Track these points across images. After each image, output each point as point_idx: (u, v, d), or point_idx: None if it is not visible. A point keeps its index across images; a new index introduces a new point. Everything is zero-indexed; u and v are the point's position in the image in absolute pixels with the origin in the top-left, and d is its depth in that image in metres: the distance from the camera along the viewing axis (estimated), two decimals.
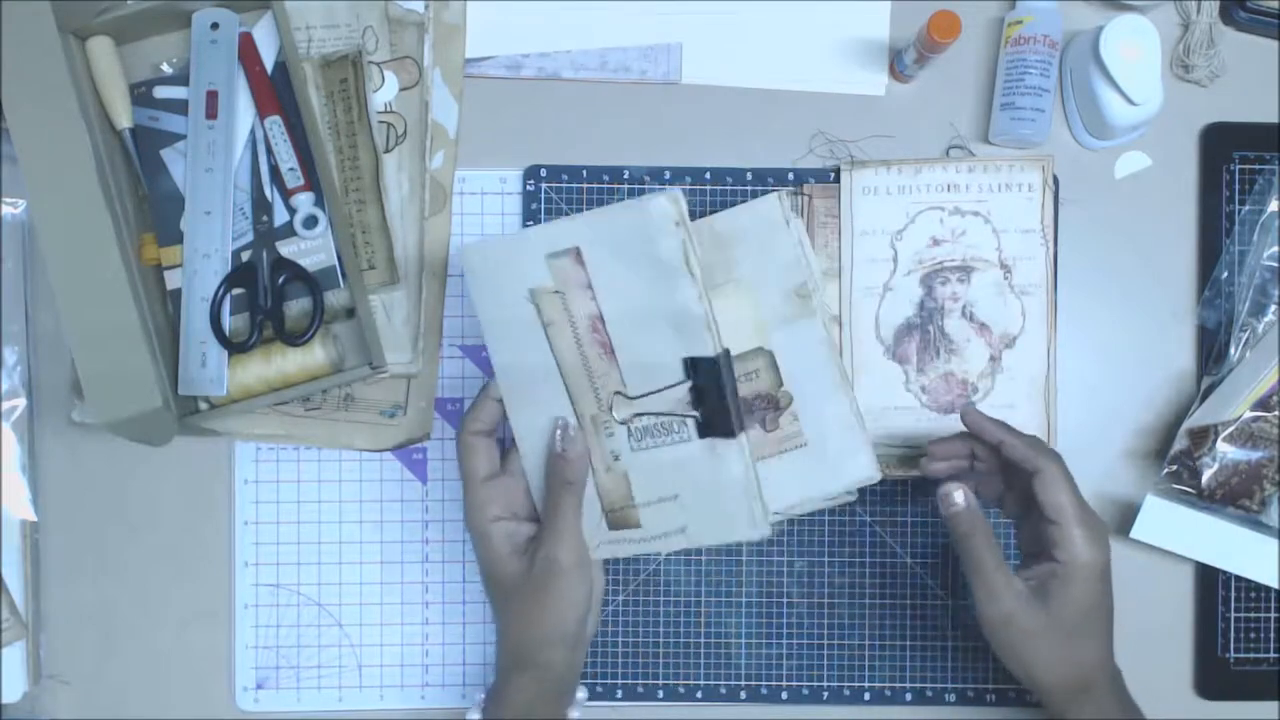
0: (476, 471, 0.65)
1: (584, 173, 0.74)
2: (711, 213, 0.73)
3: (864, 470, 0.66)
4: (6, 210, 0.74)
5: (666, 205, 0.60)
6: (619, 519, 0.65)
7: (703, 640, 0.74)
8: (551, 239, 0.63)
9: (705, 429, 0.62)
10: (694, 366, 0.62)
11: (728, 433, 0.62)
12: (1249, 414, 0.70)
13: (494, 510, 0.64)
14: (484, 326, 0.66)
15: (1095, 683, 0.62)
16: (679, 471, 0.63)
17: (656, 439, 0.63)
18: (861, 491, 0.73)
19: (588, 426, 0.64)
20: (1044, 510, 0.61)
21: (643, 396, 0.63)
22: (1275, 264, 0.72)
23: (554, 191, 0.74)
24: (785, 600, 0.74)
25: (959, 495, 0.62)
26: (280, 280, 0.70)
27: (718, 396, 0.61)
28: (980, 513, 0.62)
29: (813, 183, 0.74)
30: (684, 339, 0.62)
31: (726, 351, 0.62)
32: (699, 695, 0.74)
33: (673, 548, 0.65)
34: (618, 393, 0.63)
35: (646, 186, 0.74)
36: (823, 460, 0.66)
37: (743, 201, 0.74)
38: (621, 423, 0.64)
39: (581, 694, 0.67)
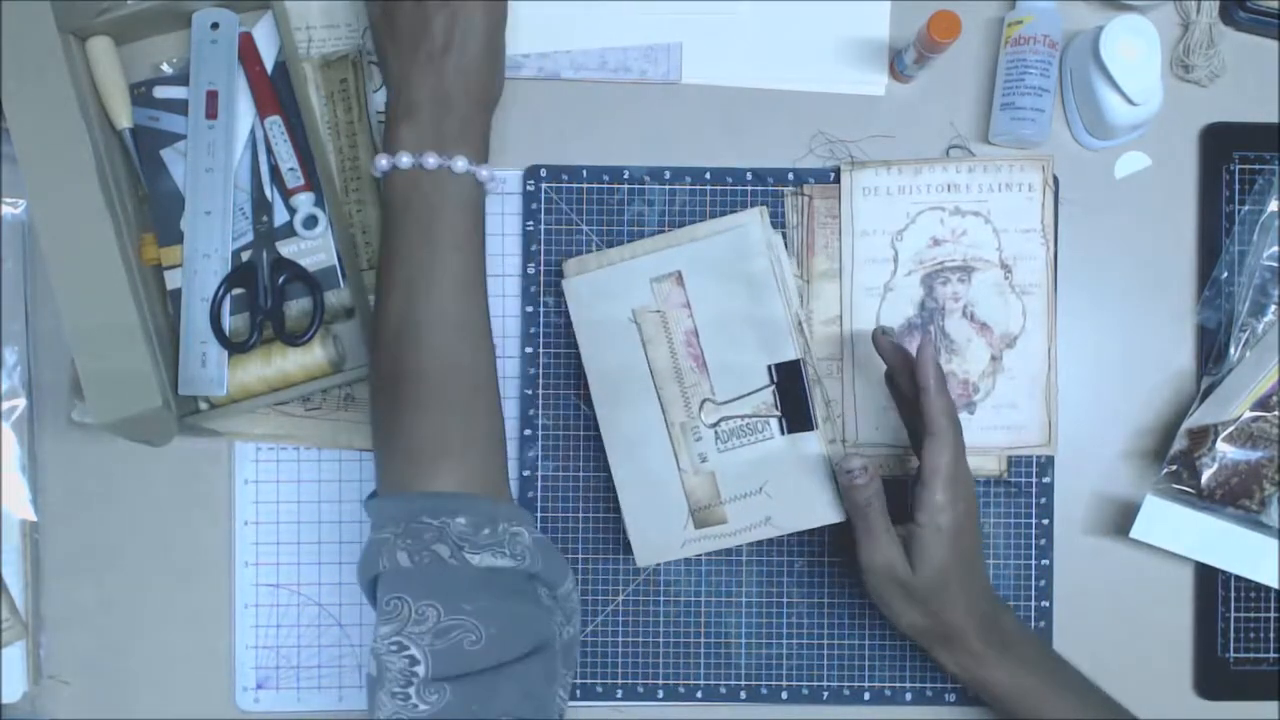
0: None
1: (584, 173, 0.74)
2: (711, 214, 0.74)
3: (830, 516, 0.69)
4: (6, 210, 0.74)
5: (759, 229, 0.69)
6: (706, 517, 0.69)
7: (703, 640, 0.74)
8: (656, 264, 0.70)
9: (788, 426, 0.68)
10: (777, 370, 0.68)
11: (808, 427, 0.68)
12: (1249, 414, 0.70)
13: None
14: (581, 341, 0.71)
15: (957, 633, 0.65)
16: (763, 466, 0.69)
17: (742, 439, 0.69)
18: None
19: (676, 434, 0.70)
20: (921, 471, 0.64)
21: (730, 401, 0.69)
22: (1275, 264, 0.72)
23: (554, 191, 0.74)
24: (785, 600, 0.74)
25: (861, 472, 0.64)
26: (280, 280, 0.70)
27: (799, 395, 0.68)
28: (879, 484, 0.64)
29: (813, 183, 0.74)
30: (769, 345, 0.69)
31: (807, 352, 0.69)
32: (699, 695, 0.74)
33: (758, 538, 0.69)
34: (706, 399, 0.69)
35: (646, 186, 0.74)
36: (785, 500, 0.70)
37: (743, 202, 0.74)
38: (710, 426, 0.69)
39: (488, 170, 0.66)
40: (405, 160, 0.63)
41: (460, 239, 0.64)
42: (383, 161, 0.63)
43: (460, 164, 0.63)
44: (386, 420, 0.62)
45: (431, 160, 0.63)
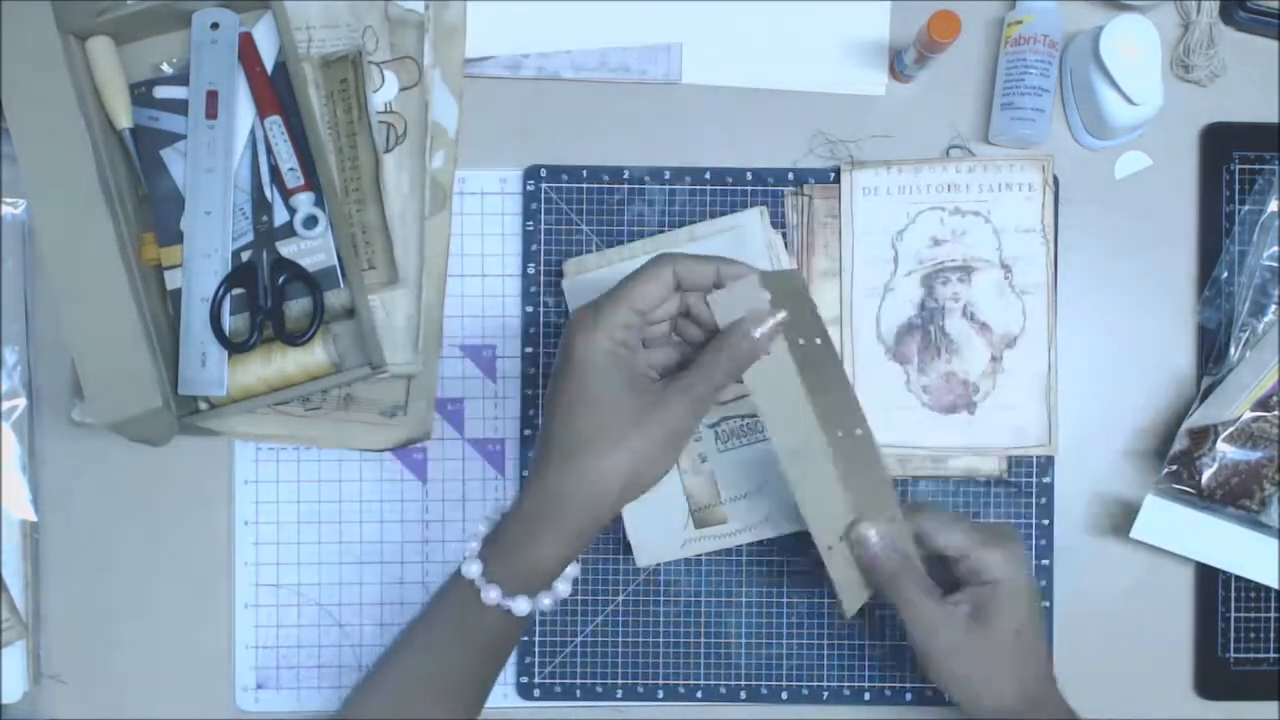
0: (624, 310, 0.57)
1: (584, 173, 0.74)
2: (711, 214, 0.74)
3: None
4: (6, 210, 0.74)
5: (759, 229, 0.69)
6: (706, 517, 0.70)
7: (703, 640, 0.74)
8: None
9: None
10: None
11: None
12: (1249, 414, 0.70)
13: (625, 336, 0.57)
14: None
15: (1048, 697, 0.61)
16: (763, 466, 0.69)
17: (742, 439, 0.70)
18: None
19: None
20: (945, 553, 0.60)
21: (730, 401, 0.69)
22: (1275, 264, 0.72)
23: (554, 191, 0.74)
24: (785, 600, 0.74)
25: (872, 534, 0.58)
26: (280, 280, 0.70)
27: None
28: (899, 547, 0.59)
29: (813, 183, 0.74)
30: None
31: None
32: (699, 695, 0.74)
33: (757, 537, 0.69)
34: None
35: (646, 186, 0.74)
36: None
37: (743, 202, 0.74)
38: (710, 426, 0.69)
39: (569, 582, 0.60)
40: (494, 596, 0.57)
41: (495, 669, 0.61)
42: (493, 595, 0.57)
43: (522, 605, 0.58)
44: None
45: (543, 601, 0.58)
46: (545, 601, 0.58)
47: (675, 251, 0.59)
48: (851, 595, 0.60)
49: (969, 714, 0.60)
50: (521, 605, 0.57)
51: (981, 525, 0.62)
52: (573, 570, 0.60)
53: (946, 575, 0.62)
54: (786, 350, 0.57)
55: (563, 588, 0.59)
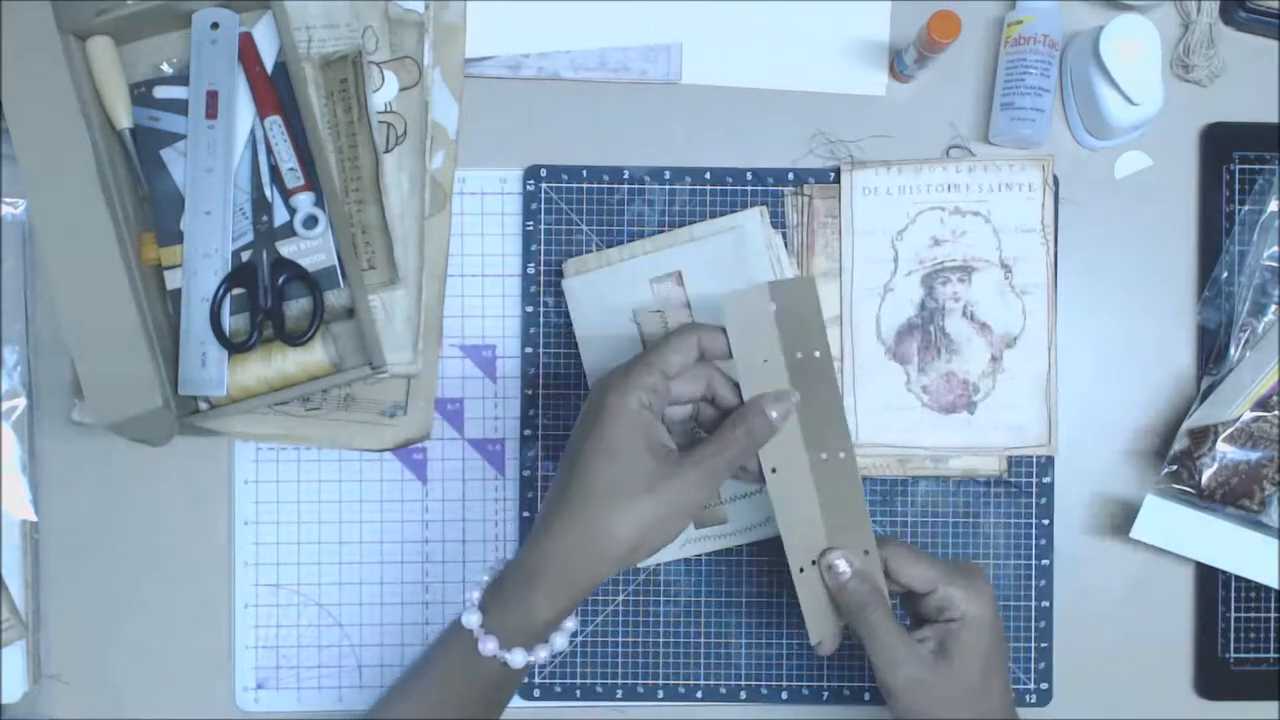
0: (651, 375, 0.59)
1: (584, 173, 0.74)
2: (711, 214, 0.74)
3: None
4: (6, 210, 0.74)
5: (759, 229, 0.70)
6: (706, 517, 0.70)
7: (703, 640, 0.74)
8: (656, 264, 0.70)
9: None
10: None
11: None
12: (1249, 414, 0.70)
13: (651, 400, 0.58)
14: (581, 341, 0.71)
15: None
16: None
17: None
18: None
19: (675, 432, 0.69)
20: (911, 587, 0.61)
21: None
22: (1275, 264, 0.72)
23: (554, 191, 0.74)
24: (785, 600, 0.74)
25: (842, 564, 0.60)
26: (280, 280, 0.70)
27: None
28: (870, 578, 0.60)
29: (813, 183, 0.74)
30: None
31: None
32: (699, 695, 0.74)
33: (757, 537, 0.70)
34: None
35: (646, 186, 0.74)
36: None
37: (743, 202, 0.74)
38: None
39: (566, 636, 0.61)
40: (489, 646, 0.58)
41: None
42: (490, 646, 0.58)
43: (519, 658, 0.58)
44: None
45: (539, 654, 0.59)
46: (541, 654, 0.59)
47: (699, 322, 0.62)
48: (819, 622, 0.61)
49: None
50: (518, 658, 0.58)
51: (948, 562, 0.62)
52: (571, 624, 0.60)
53: (913, 610, 0.63)
54: (783, 365, 0.57)
55: (560, 641, 0.60)
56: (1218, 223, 0.74)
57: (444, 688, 0.60)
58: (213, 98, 0.70)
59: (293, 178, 0.70)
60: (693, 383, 0.60)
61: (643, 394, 0.58)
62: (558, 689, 0.74)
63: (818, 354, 0.60)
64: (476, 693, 0.60)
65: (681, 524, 0.58)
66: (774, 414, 0.59)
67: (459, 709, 0.59)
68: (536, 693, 0.74)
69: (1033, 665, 0.74)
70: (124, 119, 0.70)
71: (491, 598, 0.59)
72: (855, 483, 0.61)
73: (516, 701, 0.74)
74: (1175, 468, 0.71)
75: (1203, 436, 0.70)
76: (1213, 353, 0.73)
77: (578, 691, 0.74)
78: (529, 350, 0.74)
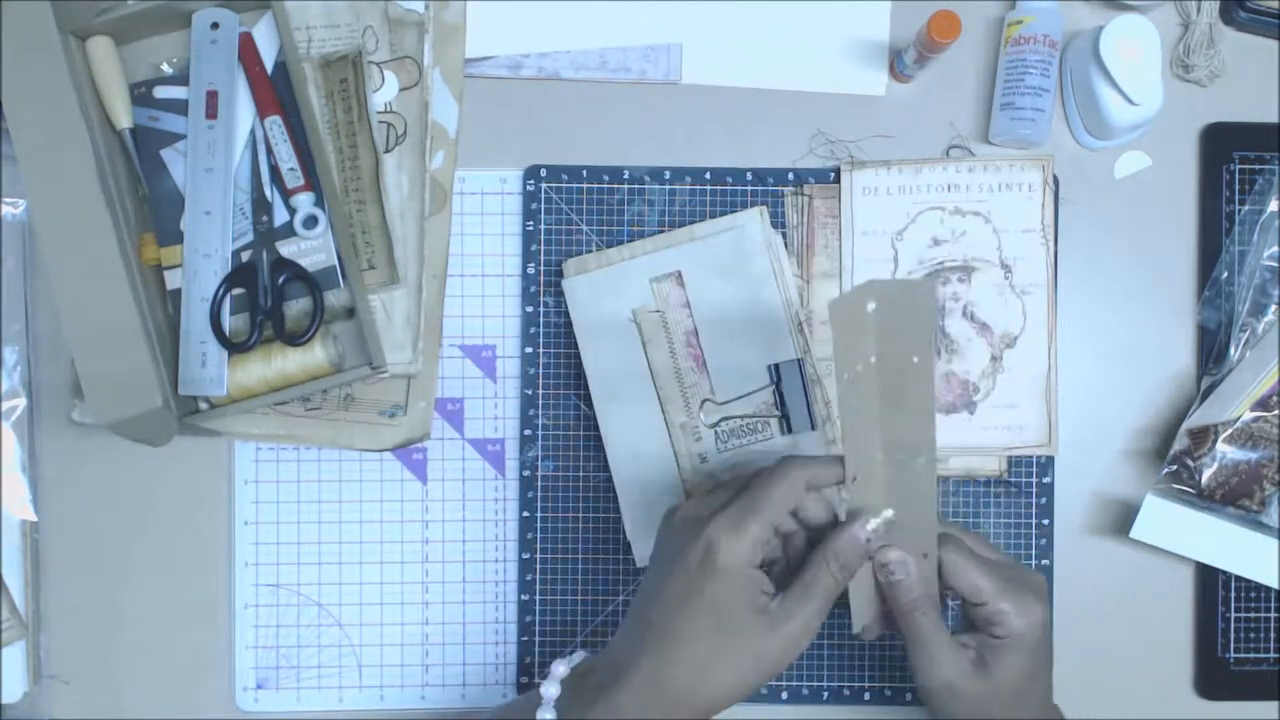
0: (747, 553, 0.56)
1: (584, 173, 0.74)
2: (711, 214, 0.74)
3: None
4: (6, 210, 0.74)
5: (759, 228, 0.70)
6: None
7: None
8: (656, 264, 0.71)
9: (788, 426, 0.69)
10: (777, 370, 0.69)
11: (809, 427, 0.69)
12: (1249, 414, 0.70)
13: (763, 554, 0.57)
14: (581, 341, 0.71)
15: None
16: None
17: (742, 439, 0.70)
18: None
19: (676, 434, 0.70)
20: (962, 595, 0.59)
21: (730, 401, 0.70)
22: (1275, 264, 0.72)
23: (554, 191, 0.74)
24: None
25: (897, 562, 0.58)
26: (280, 280, 0.70)
27: (800, 395, 0.69)
28: (924, 579, 0.58)
29: (813, 183, 0.74)
30: (768, 345, 0.69)
31: (807, 352, 0.69)
32: None
33: None
34: (706, 399, 0.69)
35: (646, 186, 0.74)
36: None
37: (743, 202, 0.74)
38: (710, 426, 0.70)
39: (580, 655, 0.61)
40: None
41: None
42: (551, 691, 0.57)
43: None
44: None
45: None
46: None
47: (799, 455, 0.59)
48: (863, 610, 0.60)
49: None
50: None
51: (1009, 570, 0.60)
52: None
53: (965, 612, 0.61)
54: (875, 370, 0.55)
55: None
56: (1218, 223, 0.74)
57: None
58: (213, 98, 0.70)
59: (293, 178, 0.70)
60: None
61: (759, 548, 0.55)
62: None
63: (916, 359, 0.57)
64: None
65: (785, 666, 0.56)
66: (864, 536, 0.57)
67: None
68: None
69: None
70: (124, 119, 0.70)
71: (571, 688, 0.57)
72: (931, 489, 0.59)
73: None
74: (1175, 468, 0.71)
75: (1203, 436, 0.70)
76: (1213, 353, 0.73)
77: None
78: (529, 350, 0.74)
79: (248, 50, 0.71)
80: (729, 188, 0.74)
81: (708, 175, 0.74)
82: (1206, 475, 0.70)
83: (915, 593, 0.58)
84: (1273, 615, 0.74)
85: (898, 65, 0.74)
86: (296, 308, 0.71)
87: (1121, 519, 0.73)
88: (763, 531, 0.56)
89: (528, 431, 0.74)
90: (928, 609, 0.58)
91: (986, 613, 0.58)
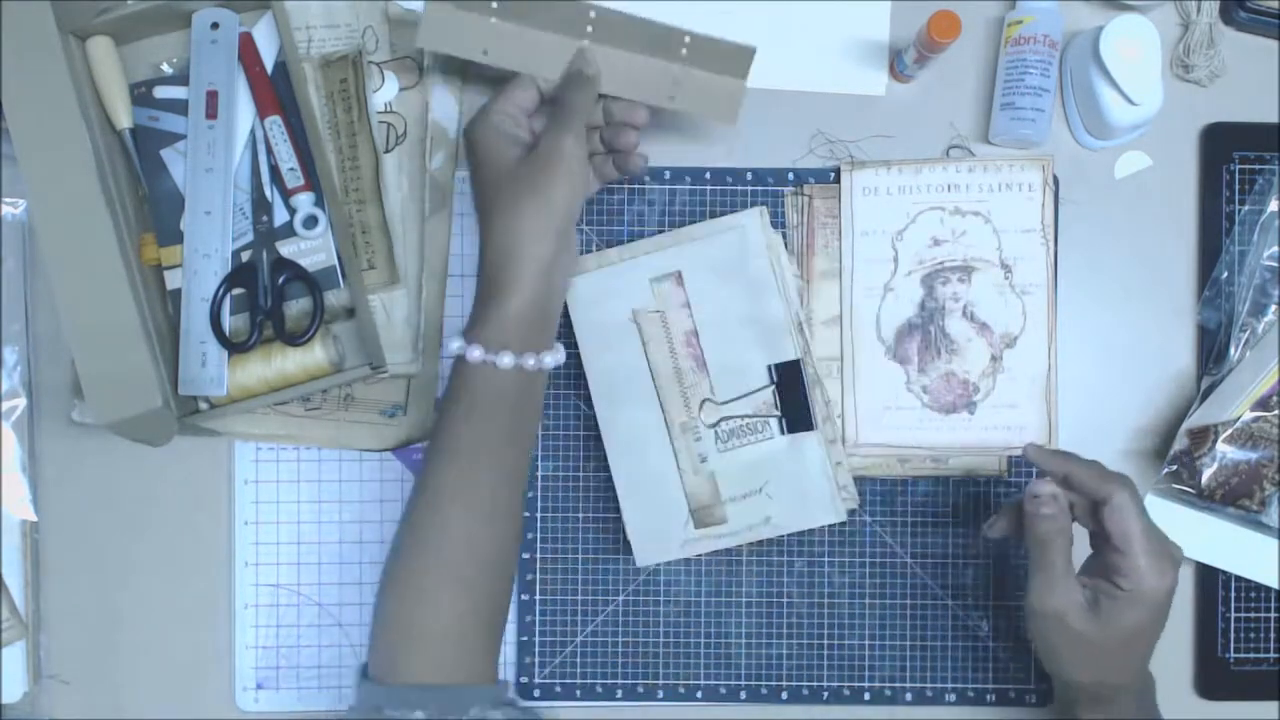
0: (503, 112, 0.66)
1: None
2: (711, 214, 0.74)
3: (829, 517, 0.69)
4: (6, 210, 0.74)
5: (759, 229, 0.70)
6: (705, 517, 0.70)
7: (703, 640, 0.74)
8: (656, 264, 0.71)
9: (788, 426, 0.69)
10: (777, 370, 0.69)
11: (808, 427, 0.69)
12: (1249, 414, 0.70)
13: (504, 112, 0.66)
14: (580, 341, 0.71)
15: (1118, 693, 0.63)
16: (763, 467, 0.69)
17: (742, 439, 0.70)
18: (861, 493, 0.73)
19: (676, 434, 0.70)
20: (1111, 538, 0.60)
21: (730, 401, 0.70)
22: (1275, 264, 0.72)
23: None
24: (785, 600, 0.74)
25: (1051, 500, 0.61)
26: (280, 280, 0.70)
27: (799, 395, 0.69)
28: (1068, 519, 0.62)
29: (813, 183, 0.74)
30: (768, 345, 0.69)
31: (807, 352, 0.70)
32: (699, 695, 0.74)
33: (758, 538, 0.70)
34: (706, 399, 0.69)
35: (646, 186, 0.74)
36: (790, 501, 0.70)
37: (743, 202, 0.74)
38: (710, 426, 0.70)
39: (560, 354, 0.65)
40: (508, 359, 0.62)
41: (516, 430, 0.64)
42: (476, 353, 0.62)
43: (529, 361, 0.63)
44: (389, 592, 0.62)
45: (527, 360, 0.63)
46: (529, 362, 0.62)
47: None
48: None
49: (1044, 665, 0.64)
50: (505, 359, 0.61)
51: (1156, 533, 0.61)
52: (558, 355, 0.65)
53: (1098, 549, 0.63)
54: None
55: (549, 359, 0.63)
56: (1218, 223, 0.74)
57: (461, 412, 0.62)
58: (213, 98, 0.70)
59: (293, 178, 0.70)
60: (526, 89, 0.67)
61: (504, 121, 0.65)
62: (558, 689, 0.74)
63: None
64: (486, 406, 0.62)
65: (585, 162, 0.64)
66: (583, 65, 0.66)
67: (488, 421, 0.63)
68: (536, 693, 0.74)
69: (1033, 665, 0.74)
70: (124, 119, 0.70)
71: (467, 331, 0.63)
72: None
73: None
74: (1175, 468, 0.71)
75: (1203, 436, 0.70)
76: (1213, 353, 0.73)
77: (578, 691, 0.74)
78: None
79: (248, 50, 0.71)
80: (729, 188, 0.74)
81: (708, 175, 0.74)
82: (1206, 475, 0.70)
83: (1055, 526, 0.61)
84: (1273, 615, 0.74)
85: (898, 65, 0.74)
86: (296, 308, 0.71)
87: None
88: (503, 105, 0.65)
89: None
90: (1061, 543, 0.61)
91: (1123, 562, 0.60)
